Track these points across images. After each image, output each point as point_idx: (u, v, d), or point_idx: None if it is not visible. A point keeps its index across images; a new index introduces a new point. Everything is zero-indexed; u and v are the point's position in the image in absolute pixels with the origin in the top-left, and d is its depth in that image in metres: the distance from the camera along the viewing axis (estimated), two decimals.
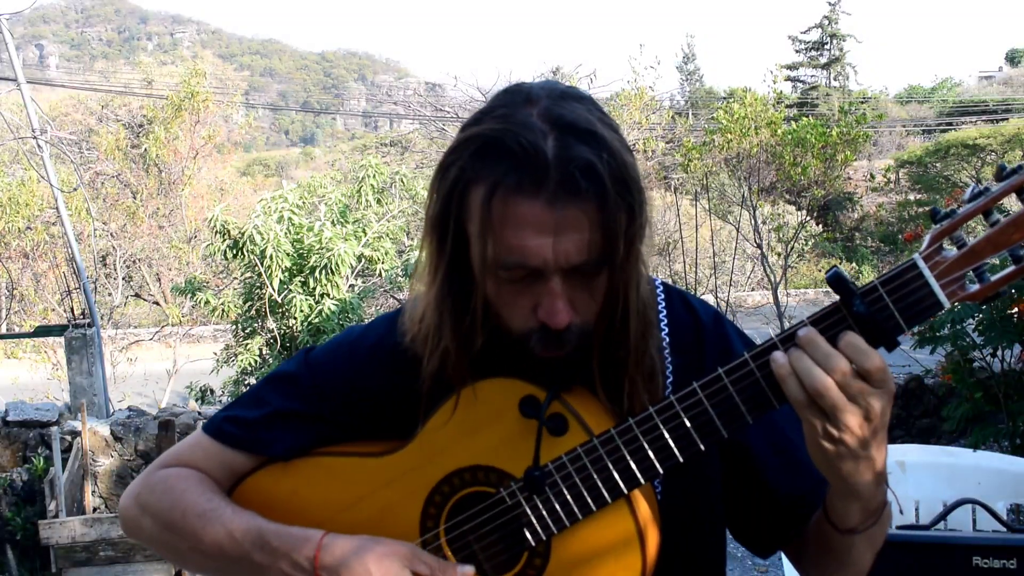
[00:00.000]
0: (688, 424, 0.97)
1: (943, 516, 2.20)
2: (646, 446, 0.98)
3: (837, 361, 0.89)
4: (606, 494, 0.99)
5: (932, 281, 0.90)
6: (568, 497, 1.00)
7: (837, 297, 0.93)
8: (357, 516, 1.09)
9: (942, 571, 1.94)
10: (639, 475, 0.98)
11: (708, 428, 0.96)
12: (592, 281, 0.96)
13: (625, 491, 0.99)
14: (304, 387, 1.14)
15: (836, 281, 0.92)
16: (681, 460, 0.97)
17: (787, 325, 9.02)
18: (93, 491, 5.25)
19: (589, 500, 0.99)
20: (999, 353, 4.33)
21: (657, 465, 0.98)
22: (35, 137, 6.95)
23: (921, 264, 0.91)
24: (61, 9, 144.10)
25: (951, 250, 0.91)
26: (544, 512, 1.01)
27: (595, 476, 0.98)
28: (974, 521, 2.37)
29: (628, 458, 0.98)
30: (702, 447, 0.97)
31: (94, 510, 5.19)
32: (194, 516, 1.07)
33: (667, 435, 0.97)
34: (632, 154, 0.95)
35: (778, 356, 0.92)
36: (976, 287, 0.91)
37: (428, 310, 1.02)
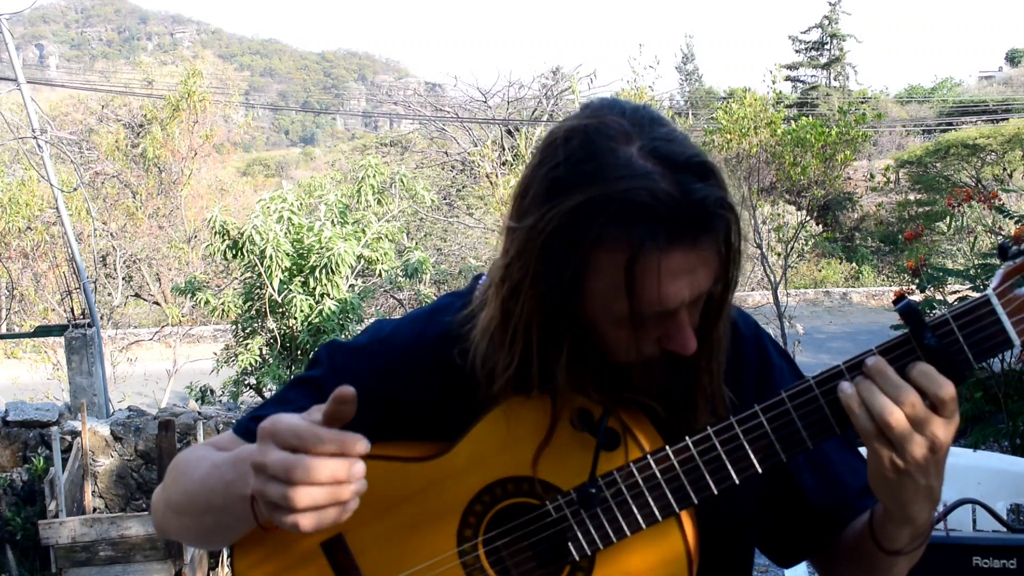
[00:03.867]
0: (747, 447, 0.95)
1: (943, 516, 2.19)
2: (702, 466, 0.96)
3: (907, 393, 0.89)
4: (657, 512, 0.97)
5: (1004, 318, 0.90)
6: (617, 513, 0.98)
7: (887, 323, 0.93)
8: (390, 522, 1.06)
9: (942, 571, 1.94)
10: (692, 495, 0.97)
11: (768, 451, 0.95)
12: (704, 296, 0.96)
13: (677, 510, 0.97)
14: (331, 387, 1.10)
15: (908, 313, 0.91)
16: (737, 482, 0.96)
17: (787, 325, 8.98)
18: (93, 491, 5.25)
19: (639, 518, 0.98)
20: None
21: (712, 486, 0.96)
22: (35, 137, 6.96)
23: (994, 301, 0.90)
24: (61, 9, 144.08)
25: (1023, 288, 0.91)
26: (591, 527, 0.99)
27: (647, 494, 0.97)
28: (974, 521, 2.37)
29: (682, 477, 0.96)
30: (759, 470, 0.96)
31: (94, 510, 5.18)
32: (195, 468, 1.06)
33: (724, 457, 0.96)
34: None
35: (846, 386, 0.91)
36: None
37: (558, 376, 0.97)
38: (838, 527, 1.11)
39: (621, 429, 0.98)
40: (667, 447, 0.97)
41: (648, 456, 0.97)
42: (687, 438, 0.97)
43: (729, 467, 0.96)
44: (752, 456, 0.95)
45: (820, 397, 0.94)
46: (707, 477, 0.96)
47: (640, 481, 0.97)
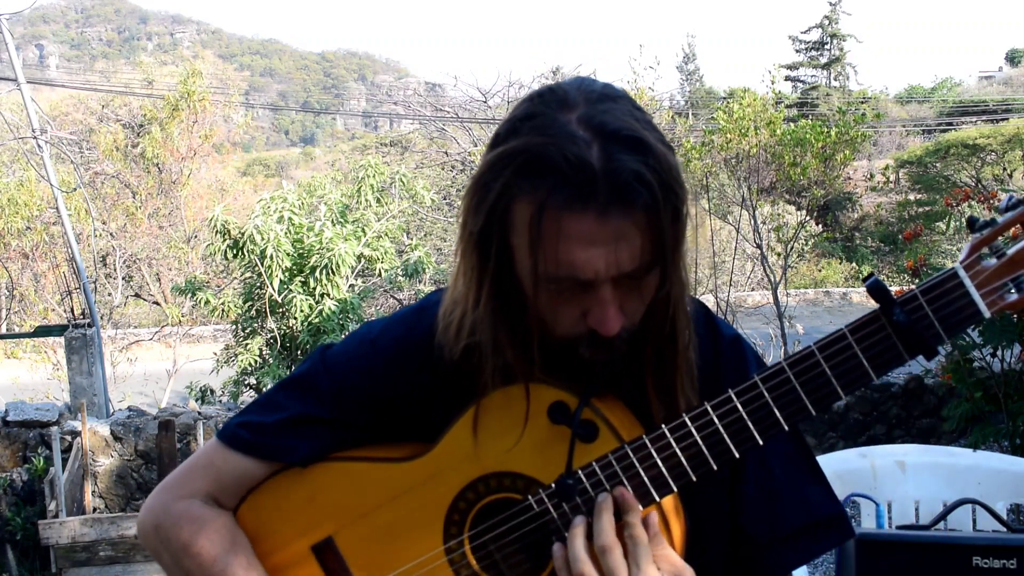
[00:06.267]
0: (723, 431, 0.96)
1: (943, 516, 2.20)
2: (679, 453, 0.97)
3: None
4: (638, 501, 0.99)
5: (973, 291, 0.90)
6: None
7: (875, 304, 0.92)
8: (377, 522, 1.07)
9: (942, 571, 1.94)
10: (671, 482, 0.97)
11: (743, 435, 0.96)
12: (641, 284, 0.95)
13: (657, 498, 0.98)
14: (322, 390, 1.10)
15: (876, 290, 0.91)
16: (715, 468, 0.97)
17: (787, 325, 8.96)
18: (93, 491, 5.25)
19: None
20: (999, 353, 4.33)
21: (690, 472, 0.97)
22: (35, 137, 6.96)
23: (962, 273, 0.90)
24: (61, 9, 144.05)
25: (991, 260, 0.90)
26: (572, 519, 0.99)
27: (626, 483, 0.98)
28: (974, 521, 2.37)
29: (660, 465, 0.97)
30: (736, 454, 0.97)
31: (94, 510, 5.18)
32: None
33: (701, 442, 0.97)
34: (674, 152, 0.94)
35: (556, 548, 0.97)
36: (1015, 296, 0.90)
37: (480, 326, 1.00)
38: (754, 555, 1.09)
39: (599, 420, 0.99)
40: (644, 436, 0.98)
41: (625, 446, 0.98)
42: (663, 426, 0.98)
43: (706, 452, 0.97)
44: (728, 440, 0.96)
45: (793, 379, 0.95)
46: (684, 464, 0.97)
47: (619, 471, 0.98)
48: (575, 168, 0.87)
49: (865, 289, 0.93)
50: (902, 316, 0.91)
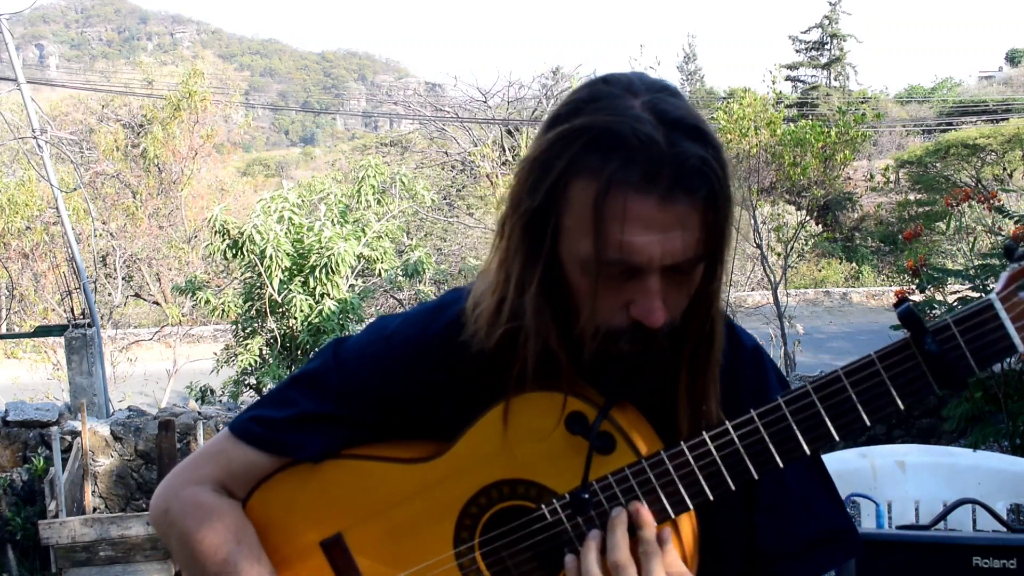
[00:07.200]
0: (743, 451, 0.95)
1: (943, 516, 2.19)
2: (697, 471, 0.95)
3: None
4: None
5: (1008, 323, 0.88)
6: None
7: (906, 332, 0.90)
8: (387, 523, 1.06)
9: (942, 571, 1.94)
10: (688, 500, 0.96)
11: (763, 456, 0.95)
12: (686, 278, 0.94)
13: (672, 515, 0.96)
14: (333, 386, 1.10)
15: (908, 317, 0.89)
16: (733, 488, 0.96)
17: (787, 325, 8.94)
18: (93, 491, 5.25)
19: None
20: None
21: (708, 491, 0.96)
22: (35, 137, 6.95)
23: (998, 305, 0.88)
24: (61, 9, 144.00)
25: None
26: (586, 531, 0.98)
27: (642, 499, 0.96)
28: (974, 521, 2.37)
29: (678, 482, 0.96)
30: (756, 476, 0.95)
31: (94, 510, 5.18)
32: (214, 569, 1.07)
33: (720, 462, 0.95)
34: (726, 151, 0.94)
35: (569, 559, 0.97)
36: None
37: (527, 309, 0.96)
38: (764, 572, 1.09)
39: (616, 432, 0.98)
40: (662, 452, 0.96)
41: (643, 461, 0.96)
42: (682, 443, 0.96)
43: (724, 472, 0.95)
44: (747, 461, 0.95)
45: (817, 403, 0.93)
46: (702, 482, 0.95)
47: (635, 486, 0.96)
48: (644, 146, 0.87)
49: (897, 316, 0.90)
50: (934, 346, 0.89)
